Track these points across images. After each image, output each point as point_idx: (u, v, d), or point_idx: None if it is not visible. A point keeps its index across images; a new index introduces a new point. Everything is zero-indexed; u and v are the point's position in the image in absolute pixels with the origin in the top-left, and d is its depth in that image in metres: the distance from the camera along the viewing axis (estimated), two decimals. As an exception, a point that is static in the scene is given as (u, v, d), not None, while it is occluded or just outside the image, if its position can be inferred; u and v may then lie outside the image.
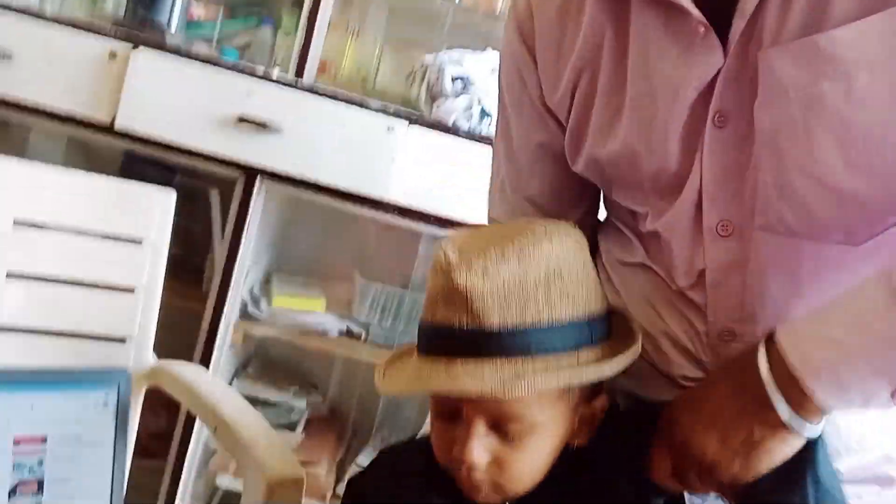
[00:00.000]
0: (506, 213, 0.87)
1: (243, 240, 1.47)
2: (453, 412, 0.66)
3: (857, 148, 0.61)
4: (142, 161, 1.60)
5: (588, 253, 0.70)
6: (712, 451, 0.63)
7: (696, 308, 0.72)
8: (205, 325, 1.51)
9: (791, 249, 0.67)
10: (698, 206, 0.69)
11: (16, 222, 1.09)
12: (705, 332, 0.72)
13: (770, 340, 0.63)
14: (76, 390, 1.02)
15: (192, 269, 1.67)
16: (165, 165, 1.55)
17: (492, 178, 0.89)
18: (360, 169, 1.43)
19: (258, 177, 1.43)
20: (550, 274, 0.64)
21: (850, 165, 0.62)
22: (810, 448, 0.63)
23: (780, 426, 0.61)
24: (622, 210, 0.79)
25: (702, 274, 0.70)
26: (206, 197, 1.58)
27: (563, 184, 0.82)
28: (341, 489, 1.69)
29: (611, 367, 0.65)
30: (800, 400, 0.60)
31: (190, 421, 1.53)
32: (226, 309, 1.52)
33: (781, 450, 0.62)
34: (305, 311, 1.64)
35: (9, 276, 1.09)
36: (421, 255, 1.59)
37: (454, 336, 0.64)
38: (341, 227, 1.75)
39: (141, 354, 1.19)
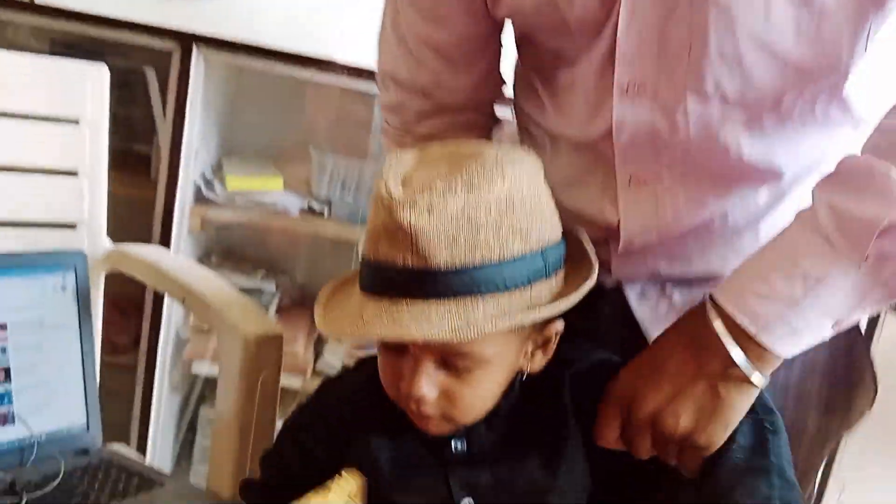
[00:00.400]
0: (406, 66, 0.80)
1: (187, 118, 1.40)
2: (399, 346, 0.64)
3: (812, 12, 0.60)
4: (68, 46, 1.51)
5: (542, 178, 0.64)
6: (662, 406, 0.63)
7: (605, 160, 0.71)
8: (158, 210, 1.45)
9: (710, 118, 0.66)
10: (610, 60, 0.65)
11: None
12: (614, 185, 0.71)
13: (714, 301, 0.62)
14: (31, 275, 0.97)
15: (138, 157, 1.60)
16: (93, 49, 1.46)
17: (384, 23, 0.81)
18: (306, 28, 1.35)
19: (194, 46, 1.34)
20: (501, 207, 0.59)
21: (800, 34, 0.61)
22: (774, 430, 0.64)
23: (741, 379, 0.61)
24: (539, 60, 0.75)
25: (609, 132, 0.68)
26: (142, 77, 1.49)
27: (471, 32, 0.76)
28: (321, 365, 1.71)
29: (566, 304, 0.62)
30: (758, 354, 0.61)
31: (157, 310, 1.50)
32: (178, 194, 1.47)
33: (743, 403, 0.62)
34: (263, 190, 1.60)
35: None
36: (377, 119, 1.53)
37: (398, 275, 0.60)
38: (291, 99, 1.67)
39: (95, 240, 1.14)
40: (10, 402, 0.93)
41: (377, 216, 0.61)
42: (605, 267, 0.73)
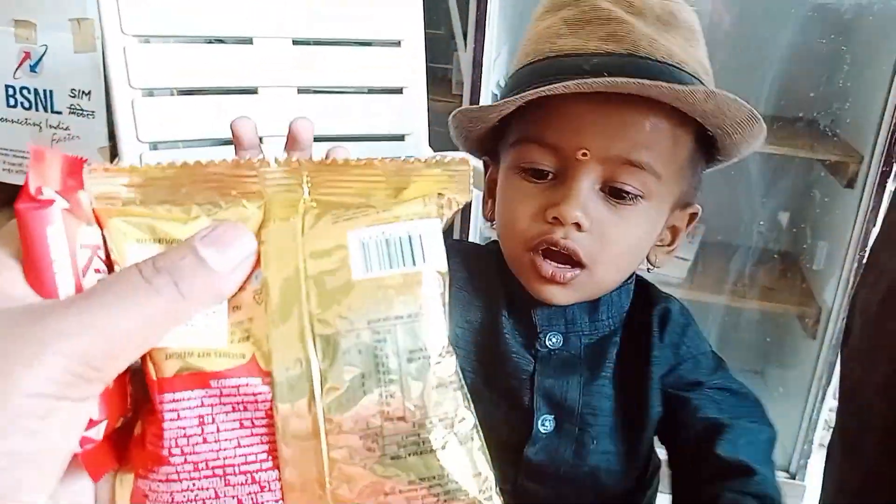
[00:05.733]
0: None
1: (486, 33, 1.48)
2: (558, 162, 0.60)
3: None
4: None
5: None
6: None
7: None
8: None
9: None
10: None
11: (294, 42, 1.19)
12: None
13: None
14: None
15: (438, 73, 1.73)
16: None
17: None
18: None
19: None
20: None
21: None
22: None
23: None
24: None
25: None
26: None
27: None
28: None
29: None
30: None
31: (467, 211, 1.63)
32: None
33: None
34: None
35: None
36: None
37: (603, 60, 0.59)
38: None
39: (419, 148, 1.28)
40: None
41: (560, 11, 0.63)
42: None
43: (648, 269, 0.68)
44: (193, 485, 0.32)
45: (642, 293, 0.71)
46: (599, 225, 0.60)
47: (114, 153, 1.46)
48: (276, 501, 0.32)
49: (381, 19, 1.24)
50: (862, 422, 0.62)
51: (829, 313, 1.57)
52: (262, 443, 0.32)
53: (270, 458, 0.32)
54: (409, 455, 0.31)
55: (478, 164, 0.72)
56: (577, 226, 0.59)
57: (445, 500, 0.32)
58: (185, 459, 0.31)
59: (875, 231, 1.44)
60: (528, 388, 0.65)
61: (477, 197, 0.88)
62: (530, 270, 0.62)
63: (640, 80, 0.54)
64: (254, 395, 0.31)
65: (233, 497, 0.32)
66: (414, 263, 0.32)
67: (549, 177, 0.61)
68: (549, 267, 0.61)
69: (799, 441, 1.66)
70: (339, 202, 0.33)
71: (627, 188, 0.60)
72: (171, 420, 0.31)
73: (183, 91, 1.21)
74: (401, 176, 0.34)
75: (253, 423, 0.32)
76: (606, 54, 0.59)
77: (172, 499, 0.32)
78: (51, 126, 1.61)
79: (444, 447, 0.32)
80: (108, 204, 0.32)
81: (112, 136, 1.53)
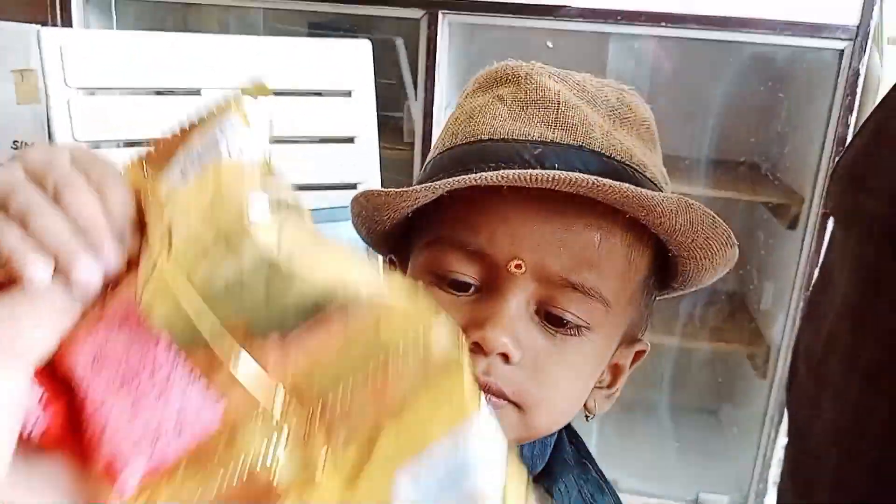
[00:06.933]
0: None
1: (437, 81, 1.51)
2: (484, 273, 0.48)
3: None
4: (323, 26, 1.68)
5: None
6: None
7: None
8: (416, 168, 1.58)
9: None
10: None
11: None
12: None
13: None
14: (326, 227, 1.12)
15: (390, 121, 1.74)
16: (343, 26, 1.62)
17: None
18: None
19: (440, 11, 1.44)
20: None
21: None
22: None
23: None
24: None
25: None
26: (391, 48, 1.62)
27: None
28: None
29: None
30: None
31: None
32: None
33: None
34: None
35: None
36: (612, 55, 1.55)
37: (542, 149, 0.48)
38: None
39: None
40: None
41: (497, 88, 0.52)
42: None
43: (587, 417, 0.56)
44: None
45: (553, 454, 0.58)
46: (534, 358, 0.48)
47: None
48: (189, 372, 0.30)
49: (332, 69, 1.25)
50: (812, 468, 0.62)
51: (778, 352, 1.60)
52: (150, 336, 0.30)
53: (161, 344, 0.30)
54: None
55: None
56: (505, 357, 0.47)
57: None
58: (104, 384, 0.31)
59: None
60: None
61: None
62: None
63: (599, 180, 0.44)
64: (128, 305, 0.31)
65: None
66: None
67: (472, 290, 0.49)
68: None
69: (754, 480, 1.68)
70: None
71: (568, 316, 0.48)
72: (77, 365, 0.31)
73: (129, 143, 1.19)
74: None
75: (136, 327, 0.30)
76: (553, 143, 0.48)
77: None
78: (-8, 179, 1.57)
79: None
80: None
81: (56, 189, 1.50)
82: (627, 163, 0.50)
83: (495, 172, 0.45)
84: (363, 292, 0.29)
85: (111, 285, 0.32)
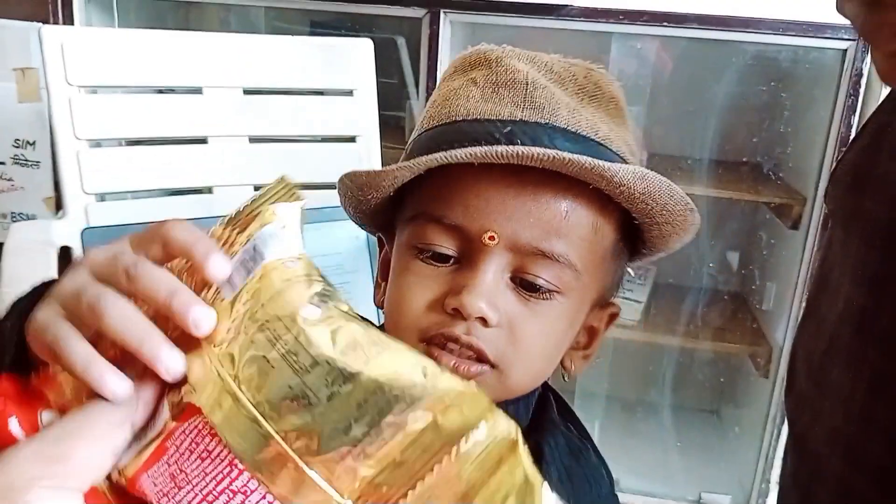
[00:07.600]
0: None
1: (439, 79, 1.50)
2: (461, 245, 0.52)
3: None
4: (325, 25, 1.68)
5: None
6: None
7: None
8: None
9: None
10: None
11: (245, 91, 1.18)
12: None
13: None
14: (329, 226, 1.11)
15: (392, 121, 1.74)
16: (344, 25, 1.62)
17: None
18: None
19: (441, 10, 1.44)
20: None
21: None
22: None
23: None
24: None
25: None
26: (394, 47, 1.62)
27: None
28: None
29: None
30: None
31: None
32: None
33: None
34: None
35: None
36: (614, 55, 1.55)
37: (511, 128, 0.52)
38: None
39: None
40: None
41: (471, 72, 0.56)
42: None
43: (564, 377, 0.60)
44: None
45: (540, 413, 0.61)
46: (509, 321, 0.52)
47: (59, 204, 1.43)
48: (263, 496, 0.32)
49: (333, 68, 1.25)
50: (813, 472, 0.62)
51: (780, 352, 1.59)
52: (222, 459, 0.33)
53: (234, 468, 0.32)
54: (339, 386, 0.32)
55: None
56: (483, 321, 0.51)
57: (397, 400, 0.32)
58: None
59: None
60: None
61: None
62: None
63: (559, 153, 0.48)
64: (195, 427, 0.33)
65: None
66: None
67: (451, 261, 0.53)
68: (449, 359, 0.51)
69: (756, 480, 1.67)
70: None
71: (540, 281, 0.52)
72: (151, 492, 0.34)
73: (130, 141, 1.19)
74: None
75: (206, 449, 0.33)
76: (521, 122, 0.52)
77: None
78: (-6, 177, 1.57)
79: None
80: None
81: (58, 187, 1.50)
82: (592, 137, 0.54)
83: (466, 150, 0.49)
84: (418, 393, 0.32)
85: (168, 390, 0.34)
